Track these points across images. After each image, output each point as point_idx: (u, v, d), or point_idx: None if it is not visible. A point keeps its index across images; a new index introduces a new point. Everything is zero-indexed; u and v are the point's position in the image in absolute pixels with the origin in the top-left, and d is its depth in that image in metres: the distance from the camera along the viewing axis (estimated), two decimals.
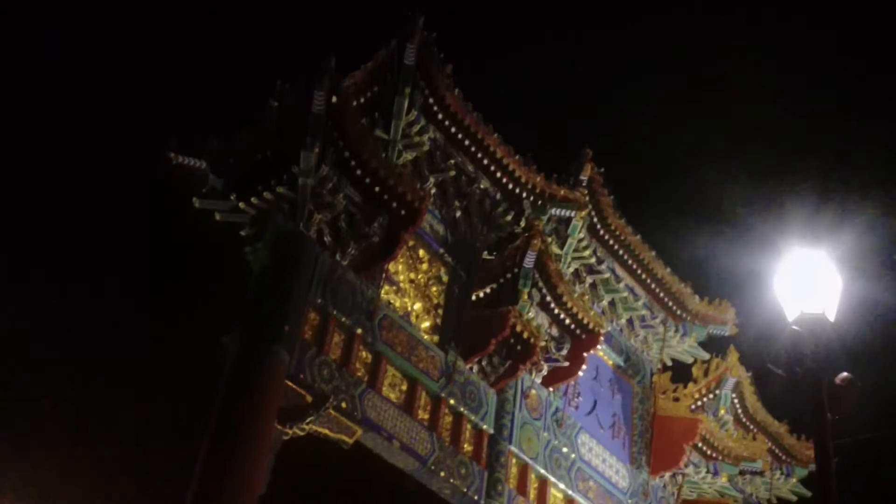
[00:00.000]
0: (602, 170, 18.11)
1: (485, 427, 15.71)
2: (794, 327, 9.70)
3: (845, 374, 9.99)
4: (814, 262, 9.85)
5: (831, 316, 9.73)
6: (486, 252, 16.81)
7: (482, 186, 16.70)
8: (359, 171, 14.11)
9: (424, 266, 16.11)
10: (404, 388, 14.78)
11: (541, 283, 16.22)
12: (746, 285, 19.48)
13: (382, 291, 14.97)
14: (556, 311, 16.60)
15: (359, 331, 14.09)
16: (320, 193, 13.64)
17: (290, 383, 12.80)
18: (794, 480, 21.42)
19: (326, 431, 13.43)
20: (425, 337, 15.40)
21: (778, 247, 10.10)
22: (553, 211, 16.98)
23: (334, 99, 13.59)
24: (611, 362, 19.28)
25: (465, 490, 14.92)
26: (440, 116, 15.93)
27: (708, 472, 19.01)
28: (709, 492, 19.35)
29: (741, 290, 20.71)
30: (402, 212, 14.52)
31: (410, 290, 15.71)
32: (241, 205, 13.65)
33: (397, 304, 15.29)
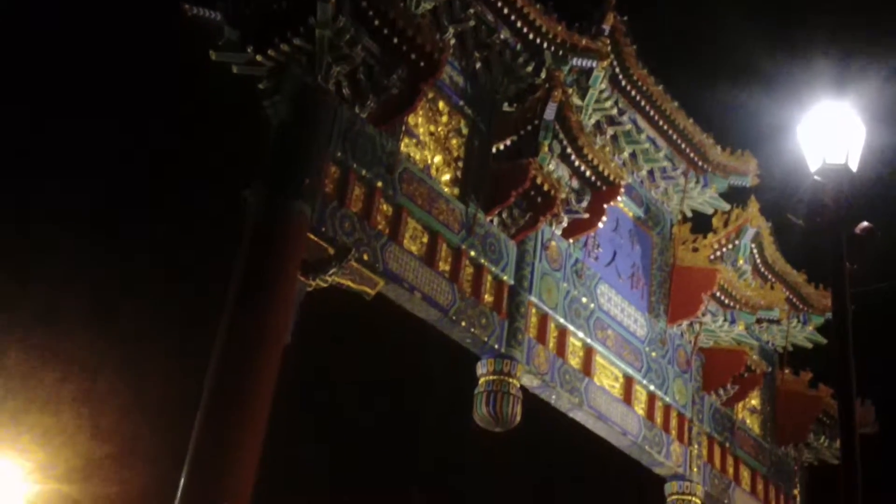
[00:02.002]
0: (625, 18, 17.73)
1: (505, 278, 15.91)
2: (816, 177, 9.68)
3: (865, 223, 10.01)
4: (838, 113, 9.76)
5: (854, 166, 9.70)
6: (506, 104, 16.65)
7: (502, 37, 16.41)
8: (377, 22, 13.89)
9: (444, 118, 16.01)
10: (425, 240, 14.91)
11: (561, 135, 16.13)
12: (769, 137, 19.33)
13: (402, 144, 14.95)
14: (577, 162, 16.56)
15: (379, 184, 14.14)
16: (338, 45, 13.46)
17: (312, 236, 12.94)
18: (811, 328, 21.73)
19: (349, 283, 13.65)
20: (445, 190, 15.44)
21: (802, 98, 9.99)
22: (574, 61, 16.72)
23: None
24: (631, 214, 19.33)
25: (485, 339, 15.22)
26: None
27: (725, 320, 19.28)
28: (725, 340, 19.67)
29: (764, 142, 20.56)
30: (422, 63, 14.34)
31: (430, 143, 15.66)
32: (258, 57, 13.50)
33: (417, 157, 15.28)
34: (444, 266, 15.03)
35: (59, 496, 25.73)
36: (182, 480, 11.09)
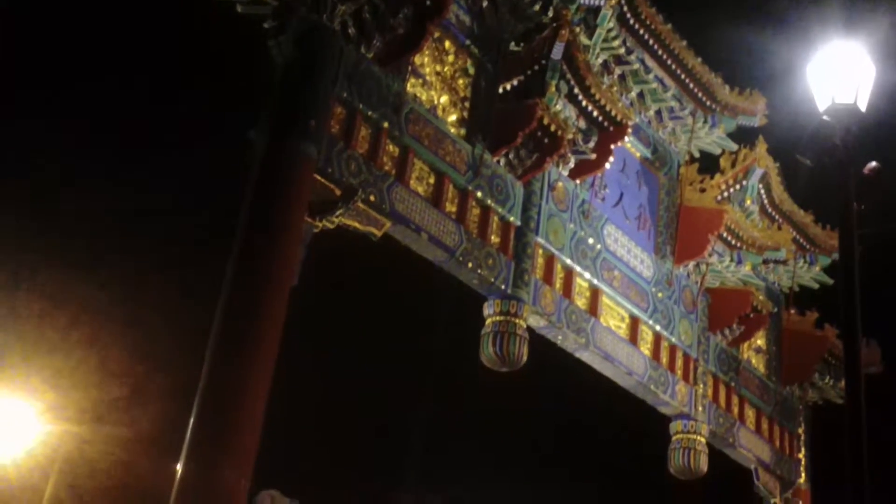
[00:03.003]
0: None
1: (512, 219, 15.90)
2: (825, 117, 9.63)
3: (874, 163, 9.98)
4: (847, 52, 9.67)
5: (863, 106, 9.64)
6: (513, 43, 16.49)
7: None
8: None
9: (451, 58, 15.88)
10: (431, 181, 14.89)
11: (568, 75, 16.00)
12: (778, 77, 19.13)
13: (408, 85, 14.85)
14: (584, 103, 16.45)
15: (385, 124, 14.08)
16: None
17: (318, 177, 12.92)
18: (817, 269, 21.73)
19: (355, 224, 13.65)
20: (452, 130, 15.38)
21: (811, 37, 9.89)
22: (582, 0, 16.54)
23: None
24: (638, 154, 19.24)
25: (492, 280, 15.26)
26: None
27: (732, 261, 19.27)
28: (731, 280, 19.69)
29: (773, 82, 20.36)
30: (428, 2, 14.20)
31: (437, 83, 15.56)
32: None
33: (423, 97, 15.19)
34: (450, 207, 15.02)
35: (70, 436, 26.03)
36: (191, 421, 11.20)
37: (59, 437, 25.75)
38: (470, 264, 14.98)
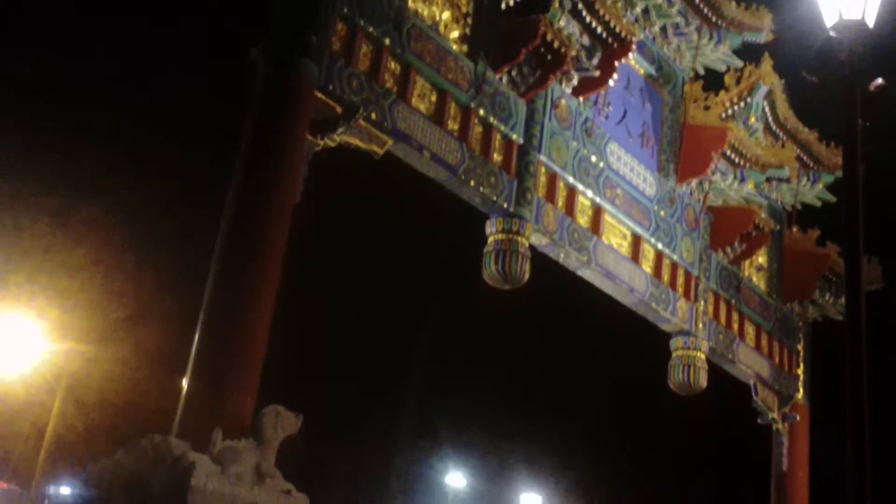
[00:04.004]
0: None
1: (514, 137, 15.83)
2: (832, 33, 9.52)
3: (879, 80, 9.90)
4: None
5: (870, 21, 9.52)
6: None
7: None
8: None
9: None
10: (434, 99, 14.79)
11: None
12: None
13: (410, 0, 14.66)
14: (588, 18, 16.26)
15: (387, 41, 13.93)
16: None
17: (319, 95, 12.83)
18: (820, 186, 21.70)
19: (357, 142, 13.60)
20: (454, 47, 15.22)
21: None
22: None
23: None
24: (642, 71, 19.06)
25: (494, 198, 15.26)
26: None
27: (735, 179, 19.23)
28: (734, 198, 19.66)
29: None
30: None
31: None
32: None
33: (425, 13, 15.00)
34: (452, 125, 14.95)
35: (75, 355, 26.33)
36: (196, 339, 11.30)
37: (64, 355, 26.04)
38: (472, 182, 14.96)
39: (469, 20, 15.64)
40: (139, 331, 28.12)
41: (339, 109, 13.16)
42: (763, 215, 20.63)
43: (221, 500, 9.71)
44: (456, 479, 41.76)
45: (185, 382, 11.36)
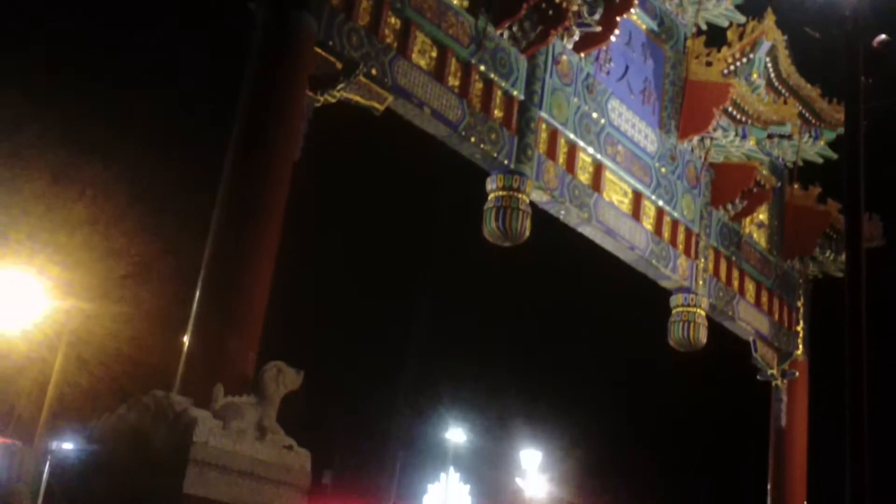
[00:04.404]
0: None
1: (515, 93, 15.74)
2: None
3: (883, 36, 9.83)
4: None
5: None
6: None
7: None
8: None
9: None
10: (434, 54, 14.70)
11: None
12: None
13: None
14: None
15: None
16: None
17: (319, 50, 12.76)
18: (822, 143, 21.60)
19: (357, 98, 13.53)
20: (455, 2, 15.09)
21: None
22: None
23: None
24: (644, 27, 18.91)
25: (495, 155, 15.21)
26: None
27: (736, 135, 19.14)
28: (735, 155, 19.57)
29: None
30: None
31: None
32: None
33: None
34: (453, 81, 14.87)
35: (77, 312, 26.37)
36: (197, 295, 11.32)
37: (66, 312, 26.08)
38: (473, 139, 14.90)
39: None
40: (140, 289, 28.18)
41: (339, 65, 13.09)
42: (764, 172, 20.58)
43: (223, 456, 9.77)
44: (456, 434, 42.01)
45: (186, 339, 11.39)
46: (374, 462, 42.47)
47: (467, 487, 45.71)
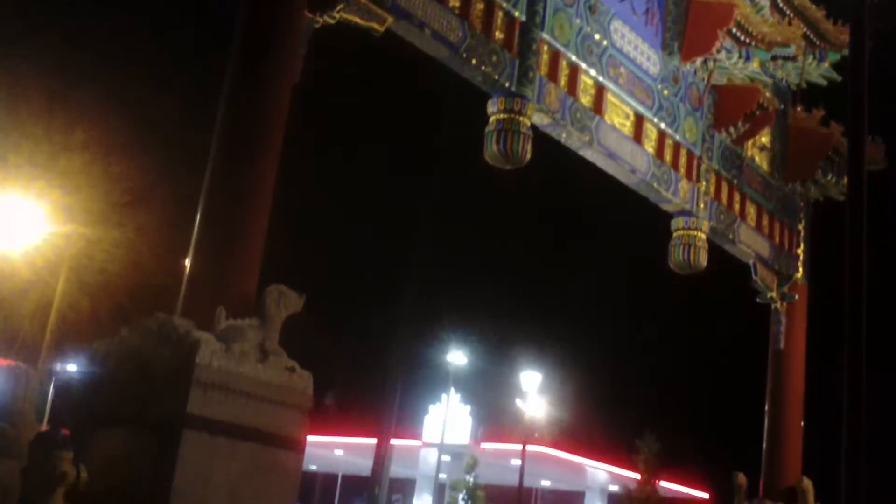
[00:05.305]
0: None
1: (517, 14, 15.54)
2: None
3: None
4: None
5: None
6: None
7: None
8: None
9: None
10: None
11: None
12: None
13: None
14: None
15: None
16: None
17: None
18: (826, 65, 21.35)
19: (357, 19, 13.33)
20: None
21: None
22: None
23: None
24: None
25: (496, 77, 15.07)
26: None
27: (740, 57, 18.93)
28: (739, 77, 19.39)
29: None
30: None
31: None
32: None
33: None
34: (454, 2, 14.65)
35: (77, 237, 26.45)
36: (197, 218, 11.31)
37: (66, 237, 26.15)
38: (474, 61, 14.75)
39: None
40: (139, 215, 28.21)
41: None
42: (767, 94, 20.41)
43: (226, 377, 9.86)
44: (457, 357, 42.40)
45: (187, 263, 11.41)
46: (377, 383, 42.92)
47: (468, 408, 46.33)
